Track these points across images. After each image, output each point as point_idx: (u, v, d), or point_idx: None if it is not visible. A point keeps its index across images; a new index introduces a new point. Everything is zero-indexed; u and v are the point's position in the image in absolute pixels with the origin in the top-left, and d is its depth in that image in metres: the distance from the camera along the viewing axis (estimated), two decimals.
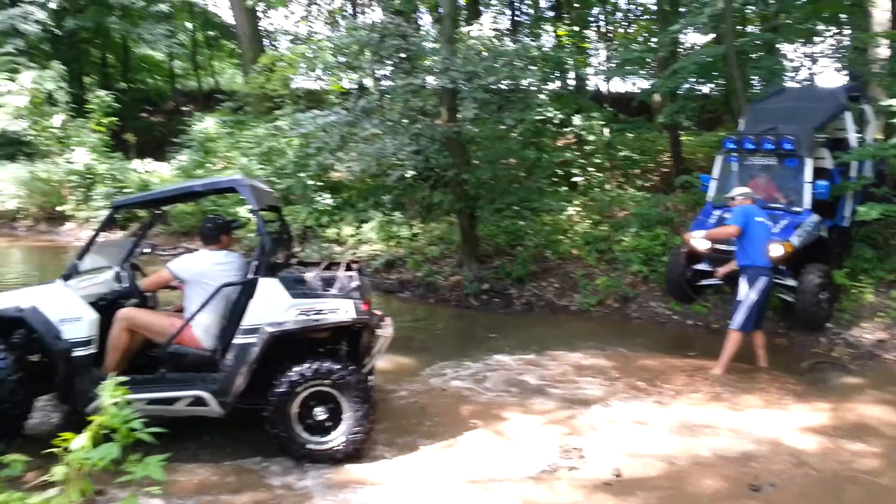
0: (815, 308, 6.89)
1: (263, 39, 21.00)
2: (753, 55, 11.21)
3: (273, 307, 4.39)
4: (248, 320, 4.41)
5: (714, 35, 11.73)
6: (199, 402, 4.43)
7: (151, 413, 4.25)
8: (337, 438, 4.42)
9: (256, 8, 18.53)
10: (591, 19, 18.65)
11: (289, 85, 15.39)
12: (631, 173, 12.82)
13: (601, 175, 12.54)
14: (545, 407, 5.48)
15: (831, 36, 14.57)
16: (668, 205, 10.34)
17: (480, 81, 10.27)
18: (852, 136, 8.18)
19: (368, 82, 13.40)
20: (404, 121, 10.96)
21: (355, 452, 4.44)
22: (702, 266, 7.47)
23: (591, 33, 18.66)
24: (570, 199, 11.18)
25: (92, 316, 4.52)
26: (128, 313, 4.63)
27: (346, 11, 22.68)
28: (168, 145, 16.18)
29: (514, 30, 20.44)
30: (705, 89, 13.58)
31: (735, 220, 6.20)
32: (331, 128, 11.12)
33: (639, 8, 18.76)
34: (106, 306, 4.74)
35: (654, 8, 16.73)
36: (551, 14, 20.47)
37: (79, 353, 4.42)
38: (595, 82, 19.63)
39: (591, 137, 13.19)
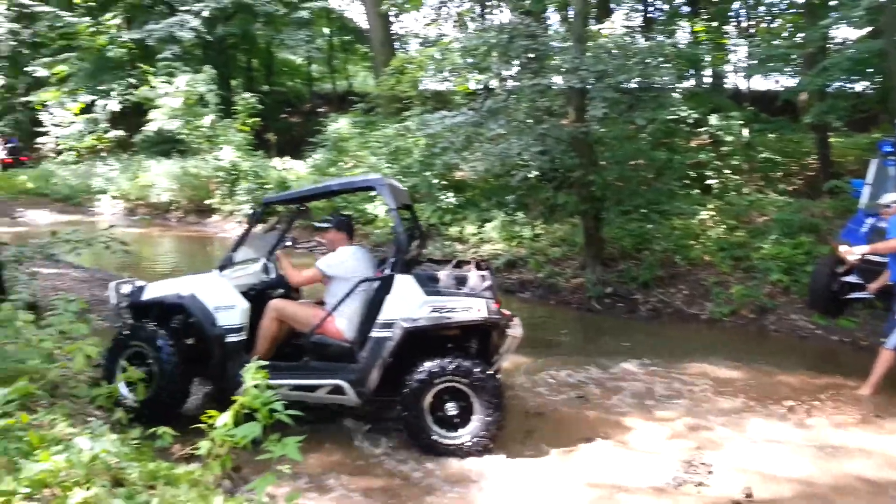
0: None
1: (394, 43, 21.64)
2: None
3: (408, 303, 4.53)
4: (384, 315, 4.58)
5: (870, 28, 10.77)
6: (337, 390, 4.65)
7: (294, 398, 4.51)
8: (464, 436, 4.48)
9: (389, 13, 19.10)
10: (731, 14, 17.68)
11: (417, 86, 15.75)
12: (772, 176, 12.02)
13: (738, 178, 11.86)
14: (671, 418, 5.24)
15: None
16: (813, 211, 9.59)
17: (610, 80, 10.03)
18: None
19: (494, 83, 13.43)
20: (529, 121, 10.92)
21: (479, 453, 4.47)
22: (851, 278, 6.88)
23: (730, 28, 17.67)
24: (703, 203, 10.66)
25: (244, 304, 4.84)
26: (277, 305, 4.93)
27: (474, 13, 22.93)
28: (304, 144, 17.05)
29: (647, 26, 19.80)
30: (858, 87, 12.54)
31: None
32: (457, 128, 11.27)
33: (784, 1, 17.61)
34: (255, 296, 5.08)
35: (801, 1, 15.65)
36: (687, 9, 19.66)
37: (232, 339, 4.76)
38: (734, 80, 18.66)
39: (729, 138, 12.50)
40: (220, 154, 15.30)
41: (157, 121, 16.61)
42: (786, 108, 13.56)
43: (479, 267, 5.17)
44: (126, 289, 5.07)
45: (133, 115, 20.56)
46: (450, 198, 12.37)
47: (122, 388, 4.75)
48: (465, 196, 12.62)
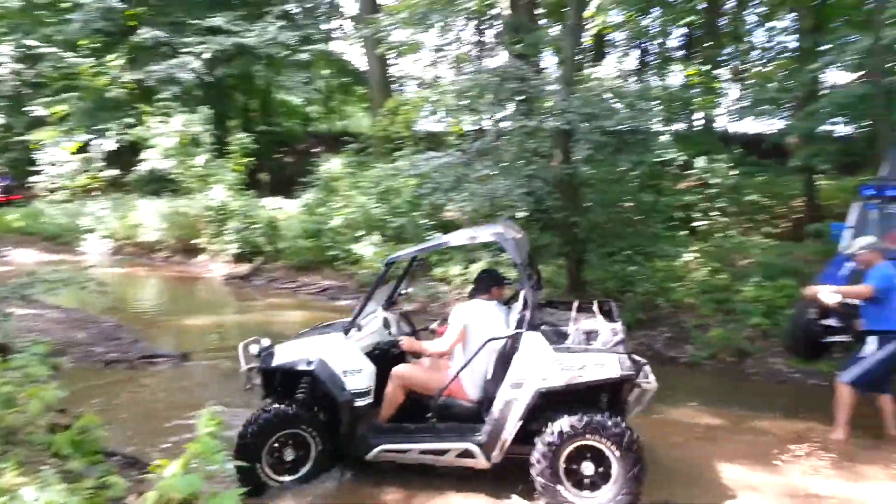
0: None
1: (392, 84, 21.93)
2: None
3: (538, 362, 4.38)
4: (512, 374, 4.43)
5: (862, 73, 10.85)
6: (466, 454, 4.52)
7: (423, 462, 4.57)
8: (604, 497, 4.25)
9: (387, 55, 19.39)
10: (724, 58, 17.89)
11: (411, 127, 15.87)
12: (758, 219, 12.00)
13: (725, 220, 11.83)
14: None
15: None
16: (797, 254, 9.54)
17: (598, 123, 10.10)
18: None
19: (487, 124, 13.57)
20: (519, 162, 10.96)
21: None
22: (829, 321, 6.77)
23: (724, 72, 17.87)
24: (688, 245, 10.61)
25: (371, 368, 4.77)
26: (403, 373, 4.88)
27: (471, 56, 23.32)
28: (297, 184, 17.10)
29: (641, 70, 20.09)
30: (849, 131, 12.60)
31: (874, 280, 5.56)
32: (445, 168, 11.33)
33: (779, 44, 17.85)
34: (379, 355, 5.06)
35: (795, 45, 15.84)
36: (681, 53, 19.94)
37: (360, 403, 4.67)
38: (724, 123, 18.82)
39: (715, 180, 12.52)
40: (210, 193, 15.34)
41: (151, 160, 16.72)
42: (776, 150, 13.59)
43: (601, 308, 5.10)
44: (254, 349, 5.00)
45: (129, 155, 20.73)
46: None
47: (266, 469, 4.68)
48: None
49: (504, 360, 4.52)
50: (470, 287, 5.25)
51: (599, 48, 19.66)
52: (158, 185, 18.01)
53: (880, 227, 7.08)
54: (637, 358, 4.58)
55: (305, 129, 26.69)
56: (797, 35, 15.19)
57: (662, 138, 12.75)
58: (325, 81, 26.29)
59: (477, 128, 14.01)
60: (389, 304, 5.60)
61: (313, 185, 16.06)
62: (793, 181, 12.51)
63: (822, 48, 11.27)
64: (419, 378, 4.86)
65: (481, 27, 22.95)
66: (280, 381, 4.93)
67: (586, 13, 14.21)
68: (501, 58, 20.83)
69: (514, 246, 4.69)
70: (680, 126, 16.49)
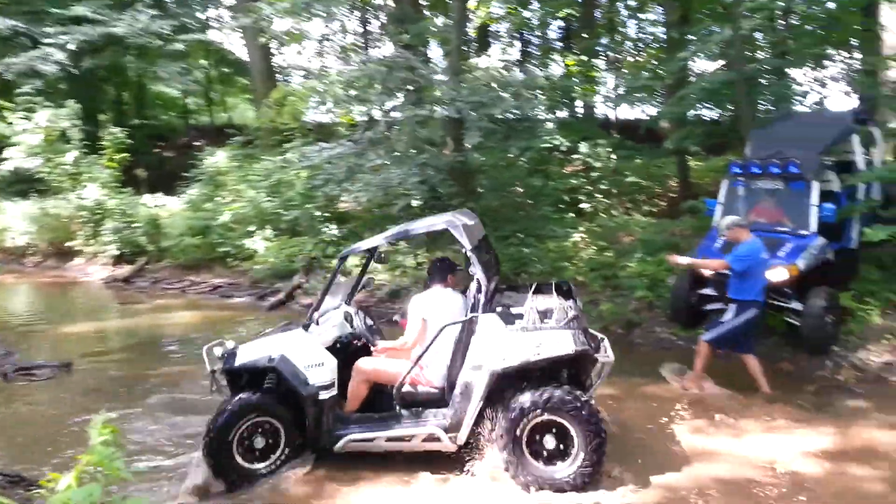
0: (820, 331, 6.71)
1: (276, 75, 21.33)
2: (762, 80, 11.13)
3: (495, 343, 4.47)
4: (471, 357, 4.54)
5: (724, 62, 11.68)
6: (432, 438, 4.60)
7: (390, 449, 4.63)
8: (566, 469, 4.35)
9: (270, 45, 18.86)
10: (600, 49, 18.71)
11: (299, 118, 15.54)
12: (638, 199, 12.73)
13: (608, 201, 12.46)
14: None
15: (841, 60, 14.43)
16: (674, 230, 10.21)
17: (487, 111, 10.32)
18: (860, 159, 8.05)
19: (377, 114, 13.55)
20: (412, 151, 11.03)
21: (584, 485, 4.33)
22: (706, 291, 7.32)
23: (600, 62, 18.69)
24: (576, 226, 11.09)
25: (332, 361, 4.82)
26: (365, 367, 4.92)
27: (357, 47, 23.06)
28: (180, 179, 16.33)
29: (524, 61, 20.65)
30: (715, 115, 13.55)
31: (734, 255, 6.05)
32: (338, 159, 11.22)
33: (649, 36, 18.88)
34: (341, 349, 5.19)
35: (664, 36, 16.82)
36: (560, 45, 20.68)
37: (324, 395, 4.72)
38: (604, 110, 19.71)
39: (598, 164, 13.15)
40: (83, 192, 14.38)
41: (14, 159, 15.44)
42: (651, 135, 14.41)
43: (558, 290, 5.22)
44: (218, 351, 4.99)
45: None
46: (332, 230, 12.22)
47: (238, 457, 4.66)
48: (347, 227, 12.50)
49: (463, 345, 4.67)
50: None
51: (483, 39, 20.02)
52: (25, 185, 16.64)
53: (747, 201, 7.73)
54: (594, 333, 4.81)
55: (186, 122, 25.50)
56: (665, 27, 16.16)
57: (547, 125, 13.27)
58: (204, 72, 25.21)
59: (367, 118, 13.95)
60: (351, 297, 5.63)
61: (197, 179, 15.41)
62: (667, 163, 13.32)
63: (689, 38, 12.06)
64: (381, 371, 4.92)
65: (366, 17, 22.76)
66: (246, 381, 4.94)
67: (470, 4, 14.45)
68: (388, 48, 20.81)
69: (463, 232, 4.77)
70: (563, 113, 17.13)
